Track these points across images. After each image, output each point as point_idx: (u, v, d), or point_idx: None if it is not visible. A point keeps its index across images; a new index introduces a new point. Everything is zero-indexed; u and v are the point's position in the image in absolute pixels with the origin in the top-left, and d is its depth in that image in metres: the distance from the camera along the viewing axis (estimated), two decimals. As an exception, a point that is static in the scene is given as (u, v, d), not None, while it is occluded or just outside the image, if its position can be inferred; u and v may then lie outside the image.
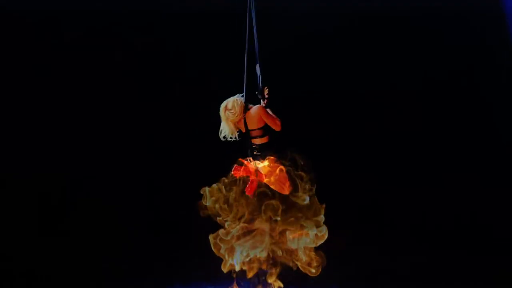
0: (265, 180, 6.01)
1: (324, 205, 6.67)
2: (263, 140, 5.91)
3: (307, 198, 6.45)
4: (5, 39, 8.10)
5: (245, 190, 6.12)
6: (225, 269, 6.82)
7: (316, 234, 6.65)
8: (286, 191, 6.12)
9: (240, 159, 6.09)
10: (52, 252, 8.03)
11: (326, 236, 6.71)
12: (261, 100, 5.97)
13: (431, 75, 8.26)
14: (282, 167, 5.96)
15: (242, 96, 5.92)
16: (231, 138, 5.97)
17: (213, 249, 6.74)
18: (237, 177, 6.20)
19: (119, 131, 8.22)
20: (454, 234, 8.12)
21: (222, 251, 6.72)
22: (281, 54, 7.74)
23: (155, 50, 8.22)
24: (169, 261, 8.09)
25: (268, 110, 5.94)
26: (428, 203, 8.18)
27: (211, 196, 6.57)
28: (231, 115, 5.86)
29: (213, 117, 6.10)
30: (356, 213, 8.09)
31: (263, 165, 5.93)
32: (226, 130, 5.94)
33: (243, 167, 5.98)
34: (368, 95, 8.15)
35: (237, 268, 6.78)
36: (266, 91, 5.95)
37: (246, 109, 5.87)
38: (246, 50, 5.95)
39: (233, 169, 6.04)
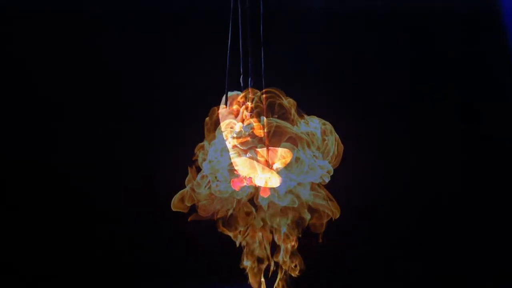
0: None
1: None
2: None
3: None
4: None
5: (262, 194, 5.87)
6: None
7: None
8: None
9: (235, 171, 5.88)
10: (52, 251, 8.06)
11: None
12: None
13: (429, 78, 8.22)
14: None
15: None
16: None
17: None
18: (238, 190, 5.92)
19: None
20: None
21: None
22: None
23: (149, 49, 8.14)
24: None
25: None
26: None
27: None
28: None
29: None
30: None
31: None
32: None
33: (239, 177, 5.79)
34: (359, 96, 8.09)
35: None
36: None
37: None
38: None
39: (231, 183, 5.86)
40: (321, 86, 7.95)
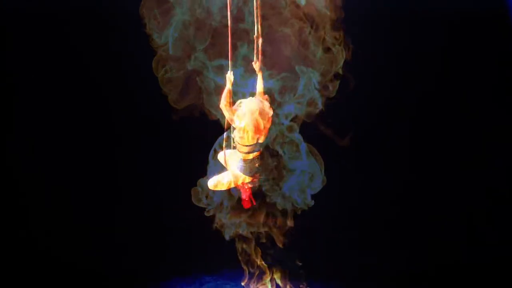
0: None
1: None
2: None
3: None
4: None
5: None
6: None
7: None
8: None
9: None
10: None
11: None
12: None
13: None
14: None
15: None
16: None
17: None
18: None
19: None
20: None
21: None
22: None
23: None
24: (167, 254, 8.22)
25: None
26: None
27: None
28: None
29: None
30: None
31: None
32: None
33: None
34: (364, 96, 7.93)
35: None
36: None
37: None
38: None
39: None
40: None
